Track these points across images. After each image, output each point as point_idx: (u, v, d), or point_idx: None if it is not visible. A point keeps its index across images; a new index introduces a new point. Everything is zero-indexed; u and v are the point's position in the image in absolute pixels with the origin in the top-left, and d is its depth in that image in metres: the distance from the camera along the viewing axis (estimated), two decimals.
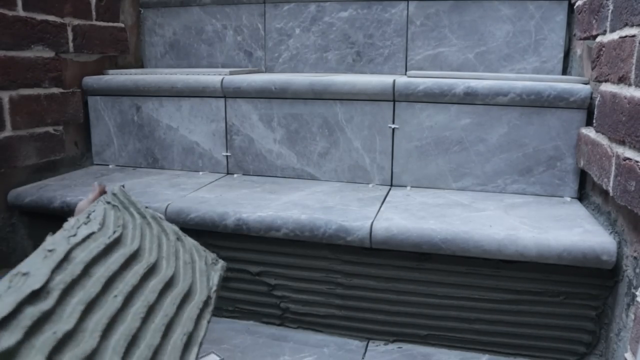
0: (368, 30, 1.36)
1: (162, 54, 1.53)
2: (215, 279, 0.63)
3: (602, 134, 0.83)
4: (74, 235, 0.53)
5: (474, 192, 1.04)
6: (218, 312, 0.96)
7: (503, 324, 0.84)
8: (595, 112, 0.89)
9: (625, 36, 0.74)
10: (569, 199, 1.00)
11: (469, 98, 1.01)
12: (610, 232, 0.81)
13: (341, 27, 1.38)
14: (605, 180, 0.79)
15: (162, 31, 1.52)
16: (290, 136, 1.13)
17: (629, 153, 0.70)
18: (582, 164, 0.94)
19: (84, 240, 0.53)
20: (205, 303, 0.58)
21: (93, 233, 0.55)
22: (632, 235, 0.75)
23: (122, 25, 1.39)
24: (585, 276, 0.79)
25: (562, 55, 1.25)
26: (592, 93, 0.95)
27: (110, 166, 1.28)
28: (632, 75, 0.71)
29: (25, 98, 1.09)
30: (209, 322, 0.57)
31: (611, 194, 0.76)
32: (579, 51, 1.16)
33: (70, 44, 1.20)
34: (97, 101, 1.26)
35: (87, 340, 0.44)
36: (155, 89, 1.20)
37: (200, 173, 1.21)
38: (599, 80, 0.89)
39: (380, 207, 0.94)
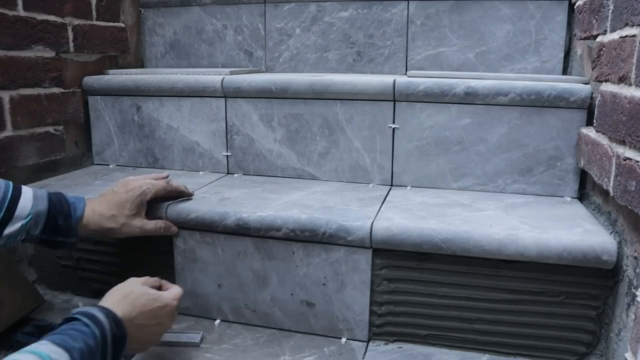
0: (368, 30, 1.36)
1: (163, 54, 1.53)
2: None
3: (603, 133, 0.83)
4: None
5: (474, 192, 1.04)
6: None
7: (503, 324, 0.84)
8: (596, 112, 0.89)
9: (626, 36, 0.74)
10: (569, 198, 1.00)
11: (469, 98, 1.01)
12: (611, 232, 0.81)
13: (341, 27, 1.38)
14: (606, 180, 0.79)
15: (162, 31, 1.52)
16: (291, 136, 1.13)
17: (629, 153, 0.70)
18: (582, 163, 0.94)
19: None
20: None
21: None
22: (632, 235, 0.75)
23: (122, 25, 1.39)
24: (586, 276, 0.79)
25: (562, 55, 1.25)
26: (592, 93, 0.95)
27: (111, 166, 1.28)
28: (633, 75, 0.71)
29: (26, 98, 1.09)
30: None
31: (611, 194, 0.76)
32: (579, 51, 1.16)
33: (71, 44, 1.20)
34: (98, 101, 1.26)
35: None
36: (155, 89, 1.20)
37: (201, 173, 1.21)
38: (599, 80, 0.89)
39: (381, 207, 0.94)
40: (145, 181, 0.91)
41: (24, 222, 0.78)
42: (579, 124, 0.97)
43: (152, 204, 0.92)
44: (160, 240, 0.96)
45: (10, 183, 0.80)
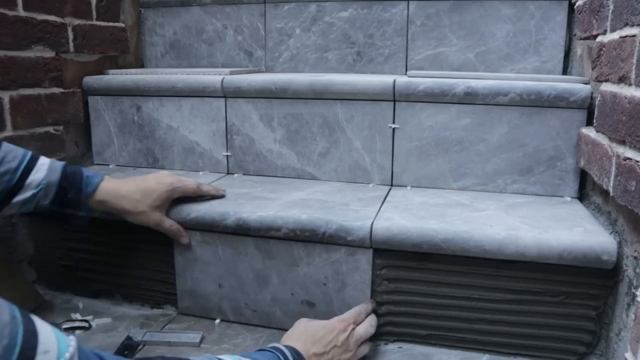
0: (368, 30, 1.37)
1: (163, 54, 1.53)
2: None
3: (603, 133, 0.83)
4: None
5: (474, 191, 1.04)
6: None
7: (503, 324, 0.84)
8: (596, 112, 0.89)
9: (626, 36, 0.74)
10: (569, 198, 1.00)
11: (469, 98, 1.01)
12: (611, 232, 0.81)
13: (341, 27, 1.38)
14: (606, 180, 0.79)
15: (162, 31, 1.52)
16: (291, 136, 1.13)
17: (629, 153, 0.70)
18: (582, 163, 0.94)
19: None
20: None
21: None
22: (632, 235, 0.75)
23: (122, 25, 1.39)
24: (586, 276, 0.79)
25: (562, 55, 1.25)
26: (592, 93, 0.95)
27: (111, 166, 1.28)
28: (633, 75, 0.71)
29: (26, 98, 1.09)
30: None
31: (611, 194, 0.76)
32: (579, 51, 1.17)
33: (71, 44, 1.20)
34: (98, 101, 1.26)
35: None
36: (155, 89, 1.20)
37: (201, 173, 1.21)
38: (599, 80, 0.89)
39: (381, 206, 0.94)
40: (179, 179, 0.93)
41: (34, 191, 0.81)
42: (579, 124, 0.97)
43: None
44: (160, 240, 0.96)
45: (29, 153, 0.83)
